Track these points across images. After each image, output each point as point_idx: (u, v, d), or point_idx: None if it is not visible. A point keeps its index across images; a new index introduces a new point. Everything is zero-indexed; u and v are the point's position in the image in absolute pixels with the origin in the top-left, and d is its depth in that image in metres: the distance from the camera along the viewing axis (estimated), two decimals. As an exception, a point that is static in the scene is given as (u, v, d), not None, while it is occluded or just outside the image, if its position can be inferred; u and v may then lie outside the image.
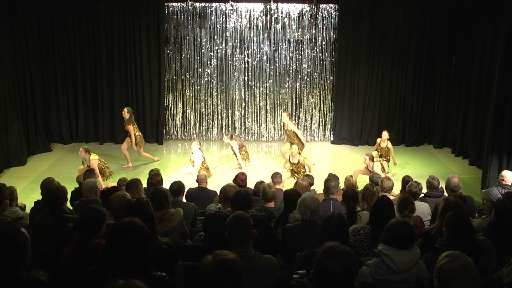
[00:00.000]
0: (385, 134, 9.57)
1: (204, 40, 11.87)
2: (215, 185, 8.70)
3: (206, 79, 12.14)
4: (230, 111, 12.36)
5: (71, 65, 11.59)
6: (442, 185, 6.18)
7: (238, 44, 11.94)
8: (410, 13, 11.65)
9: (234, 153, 9.90)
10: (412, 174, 7.22)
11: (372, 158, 8.90)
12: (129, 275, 2.18)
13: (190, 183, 8.19)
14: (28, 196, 7.88)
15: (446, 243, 3.46)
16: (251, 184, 7.18)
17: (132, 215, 3.09)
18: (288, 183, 8.28)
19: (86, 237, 3.33)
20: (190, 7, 11.68)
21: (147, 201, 3.42)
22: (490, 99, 8.87)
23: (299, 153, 9.16)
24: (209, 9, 11.70)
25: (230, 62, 12.06)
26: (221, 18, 11.73)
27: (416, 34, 11.68)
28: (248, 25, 11.79)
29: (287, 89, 12.31)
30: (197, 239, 4.84)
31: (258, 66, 12.09)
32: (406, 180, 6.37)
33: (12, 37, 10.07)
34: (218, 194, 5.72)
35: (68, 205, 5.27)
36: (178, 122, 12.42)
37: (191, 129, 12.43)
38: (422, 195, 5.94)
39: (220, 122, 12.42)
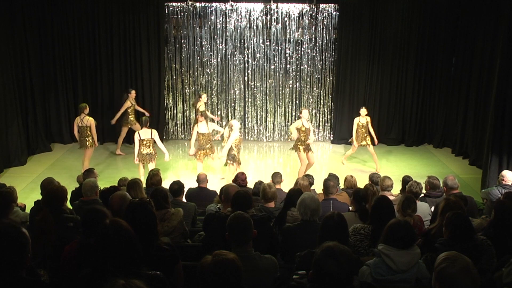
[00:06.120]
0: (363, 111, 9.85)
1: (204, 40, 11.88)
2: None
3: (206, 79, 12.15)
4: (230, 110, 12.36)
5: (71, 65, 11.59)
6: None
7: (238, 44, 11.95)
8: (410, 13, 11.66)
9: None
10: (412, 174, 7.22)
11: None
12: (126, 275, 2.19)
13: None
14: (28, 196, 7.87)
15: (446, 243, 3.46)
16: (250, 184, 7.19)
17: (134, 215, 3.10)
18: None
19: (88, 237, 3.32)
20: (190, 7, 11.69)
21: (149, 201, 3.42)
22: (490, 99, 8.87)
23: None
24: (209, 9, 11.71)
25: (230, 62, 12.06)
26: (221, 18, 11.74)
27: (416, 34, 11.69)
28: (248, 25, 11.80)
29: (287, 89, 12.31)
30: (197, 239, 4.85)
31: (258, 66, 12.10)
32: (406, 180, 6.36)
33: (12, 37, 10.07)
34: (218, 194, 5.72)
35: (68, 205, 5.26)
36: (178, 122, 12.43)
37: (191, 129, 12.42)
38: (422, 195, 5.94)
39: (220, 122, 12.41)
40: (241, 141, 8.95)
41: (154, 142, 8.68)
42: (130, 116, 10.77)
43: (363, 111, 9.92)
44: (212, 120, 11.20)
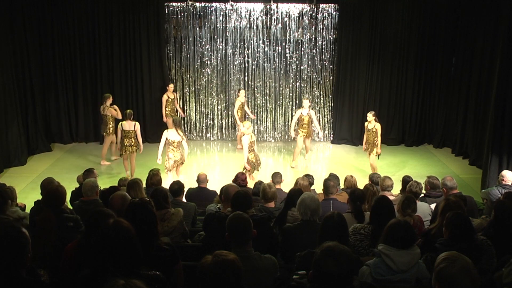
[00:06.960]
0: (369, 116, 9.20)
1: (204, 40, 11.88)
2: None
3: (206, 79, 12.15)
4: (230, 110, 12.36)
5: (71, 65, 11.60)
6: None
7: (238, 44, 11.95)
8: (410, 13, 11.66)
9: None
10: (412, 174, 7.22)
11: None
12: (126, 275, 2.19)
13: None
14: (28, 196, 7.87)
15: (446, 243, 3.46)
16: (251, 184, 7.19)
17: (134, 215, 3.10)
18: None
19: (89, 237, 3.31)
20: (190, 7, 11.69)
21: (150, 201, 3.41)
22: (490, 99, 8.87)
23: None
24: (209, 9, 11.71)
25: (230, 62, 12.06)
26: (221, 18, 11.74)
27: (416, 34, 11.69)
28: (248, 25, 11.80)
29: (287, 89, 12.31)
30: (197, 239, 4.85)
31: (258, 66, 12.10)
32: (406, 180, 6.36)
33: (12, 37, 10.07)
34: (218, 194, 5.72)
35: (68, 205, 5.26)
36: (178, 122, 12.42)
37: (191, 129, 12.43)
38: (422, 195, 5.94)
39: (220, 122, 12.43)
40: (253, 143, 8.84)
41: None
42: (166, 109, 11.22)
43: (369, 115, 9.22)
44: (248, 117, 11.41)
